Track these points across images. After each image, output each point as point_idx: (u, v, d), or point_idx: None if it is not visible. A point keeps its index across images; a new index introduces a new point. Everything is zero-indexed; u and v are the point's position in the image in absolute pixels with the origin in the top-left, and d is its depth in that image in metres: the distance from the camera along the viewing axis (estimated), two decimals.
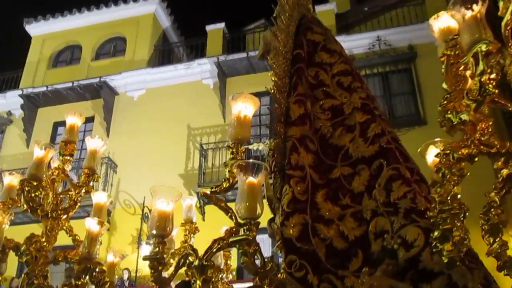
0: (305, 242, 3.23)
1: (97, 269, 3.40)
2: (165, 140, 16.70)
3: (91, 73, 19.02)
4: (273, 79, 4.02)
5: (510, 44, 2.68)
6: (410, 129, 14.59)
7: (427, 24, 2.92)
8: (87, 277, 3.33)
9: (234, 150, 3.22)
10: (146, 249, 13.50)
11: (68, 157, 4.04)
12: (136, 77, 18.59)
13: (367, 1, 19.06)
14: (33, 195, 3.58)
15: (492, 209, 2.42)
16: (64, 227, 3.85)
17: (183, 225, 4.47)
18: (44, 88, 18.39)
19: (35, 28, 20.85)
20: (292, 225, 3.28)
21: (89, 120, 18.17)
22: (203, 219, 14.26)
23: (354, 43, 16.89)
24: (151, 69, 18.72)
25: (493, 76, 2.26)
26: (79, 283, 3.30)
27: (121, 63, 19.23)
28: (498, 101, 2.26)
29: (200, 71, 18.21)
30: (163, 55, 19.96)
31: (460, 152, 2.30)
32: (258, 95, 4.10)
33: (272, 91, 3.99)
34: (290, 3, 4.44)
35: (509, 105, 2.30)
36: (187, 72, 18.30)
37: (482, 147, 2.30)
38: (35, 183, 3.64)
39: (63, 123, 17.72)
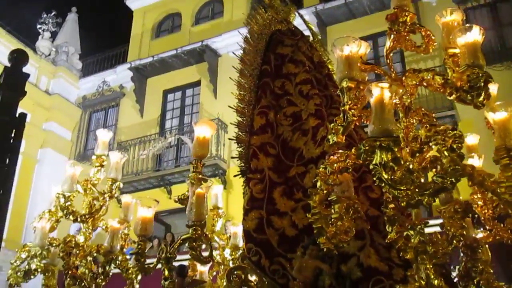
0: (260, 232, 3.96)
1: (119, 258, 4.30)
2: None
3: (192, 38, 19.70)
4: (238, 96, 4.63)
5: (392, 70, 3.22)
6: None
7: None
8: (112, 265, 4.24)
9: (195, 165, 3.81)
10: None
11: (99, 167, 4.93)
12: (236, 37, 18.48)
13: None
14: (65, 205, 4.51)
15: (388, 204, 3.04)
16: (101, 226, 4.76)
17: (212, 210, 5.09)
18: (151, 59, 19.34)
19: (135, 2, 21.77)
20: (250, 219, 4.02)
21: (196, 84, 19.15)
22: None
23: None
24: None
25: (353, 106, 2.83)
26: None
27: (220, 25, 19.74)
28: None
29: (300, 22, 18.25)
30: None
31: (334, 167, 2.86)
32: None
33: (238, 105, 4.61)
34: (260, 21, 4.95)
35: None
36: None
37: (358, 160, 2.86)
38: (67, 195, 4.56)
39: (172, 90, 19.00)
